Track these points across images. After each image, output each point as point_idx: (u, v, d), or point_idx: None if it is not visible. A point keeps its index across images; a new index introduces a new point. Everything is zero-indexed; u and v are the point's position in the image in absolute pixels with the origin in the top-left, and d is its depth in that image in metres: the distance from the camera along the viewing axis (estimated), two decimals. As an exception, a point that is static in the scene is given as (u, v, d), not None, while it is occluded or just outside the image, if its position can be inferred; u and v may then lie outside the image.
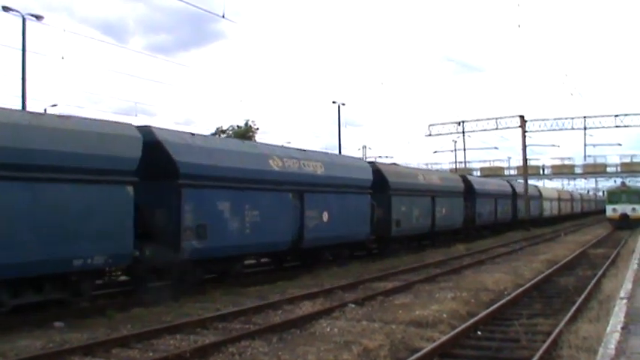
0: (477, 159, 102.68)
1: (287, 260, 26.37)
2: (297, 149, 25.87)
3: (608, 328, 10.40)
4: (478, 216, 45.51)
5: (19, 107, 32.34)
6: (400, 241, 33.18)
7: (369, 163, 32.07)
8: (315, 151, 28.21)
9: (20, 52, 35.49)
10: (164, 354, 11.27)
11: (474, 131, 75.45)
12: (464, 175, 50.11)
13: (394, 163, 42.90)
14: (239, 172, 20.22)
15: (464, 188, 42.97)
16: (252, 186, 20.62)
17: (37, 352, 11.49)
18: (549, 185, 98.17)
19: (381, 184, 30.35)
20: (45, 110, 45.64)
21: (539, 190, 70.02)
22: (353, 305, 16.50)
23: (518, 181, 68.27)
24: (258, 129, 72.04)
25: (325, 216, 24.76)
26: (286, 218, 22.49)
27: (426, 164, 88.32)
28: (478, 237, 44.70)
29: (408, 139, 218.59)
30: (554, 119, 70.86)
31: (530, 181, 67.55)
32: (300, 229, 23.27)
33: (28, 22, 35.72)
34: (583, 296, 17.09)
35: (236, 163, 20.31)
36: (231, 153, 20.61)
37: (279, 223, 21.99)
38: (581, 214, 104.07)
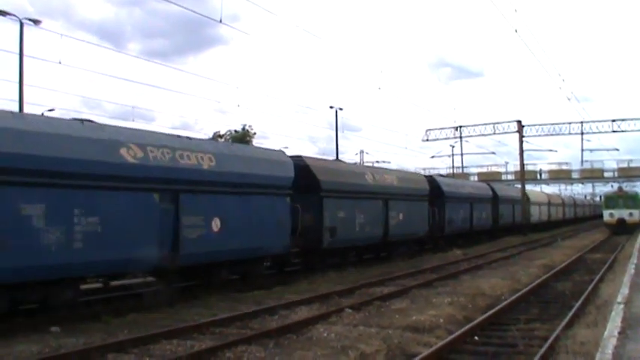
0: (475, 164, 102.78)
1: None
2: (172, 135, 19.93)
3: (606, 333, 10.40)
4: (448, 223, 39.65)
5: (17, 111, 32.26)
6: (336, 254, 27.76)
7: (294, 157, 25.10)
8: (205, 140, 25.00)
9: (17, 57, 35.47)
10: (161, 359, 11.22)
11: (471, 136, 75.68)
12: (431, 175, 43.94)
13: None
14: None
15: (429, 190, 36.94)
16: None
17: (34, 358, 11.47)
18: (547, 190, 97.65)
19: (309, 183, 25.01)
20: (42, 115, 45.65)
21: (526, 194, 64.79)
22: (350, 310, 16.47)
23: (516, 186, 68.16)
24: (255, 134, 72.03)
25: (216, 224, 19.30)
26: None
27: (424, 169, 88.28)
28: (447, 248, 38.54)
29: (406, 144, 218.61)
30: (552, 124, 71.16)
31: (527, 187, 67.50)
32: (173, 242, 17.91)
33: (25, 27, 35.71)
34: (580, 301, 17.08)
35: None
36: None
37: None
38: (575, 219, 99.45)
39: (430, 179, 39.81)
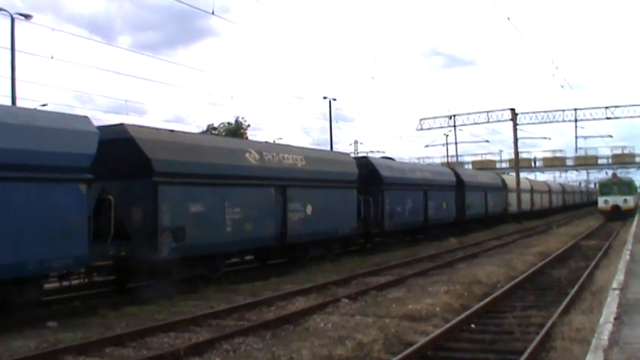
0: (469, 153, 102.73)
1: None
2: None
3: (601, 319, 10.44)
4: (389, 216, 31.97)
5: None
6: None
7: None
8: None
9: (9, 52, 35.39)
10: (158, 352, 11.25)
11: (465, 125, 75.74)
12: (365, 157, 36.58)
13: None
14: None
15: (357, 176, 29.17)
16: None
17: (31, 353, 11.46)
18: (541, 178, 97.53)
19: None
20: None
21: (502, 180, 57.81)
22: (346, 300, 16.51)
23: (511, 174, 67.88)
24: (249, 126, 71.99)
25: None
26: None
27: (418, 158, 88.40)
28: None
29: (400, 134, 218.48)
30: (545, 112, 71.24)
31: (522, 174, 67.43)
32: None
33: (16, 22, 35.61)
34: (576, 288, 17.12)
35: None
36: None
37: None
38: (563, 207, 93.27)
39: (364, 162, 32.32)
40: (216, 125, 69.63)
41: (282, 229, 23.24)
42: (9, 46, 35.48)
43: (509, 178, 62.50)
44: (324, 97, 64.34)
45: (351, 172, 28.87)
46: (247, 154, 22.07)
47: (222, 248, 20.67)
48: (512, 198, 59.18)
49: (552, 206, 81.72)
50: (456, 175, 44.48)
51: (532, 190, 68.78)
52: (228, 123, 70.22)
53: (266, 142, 31.23)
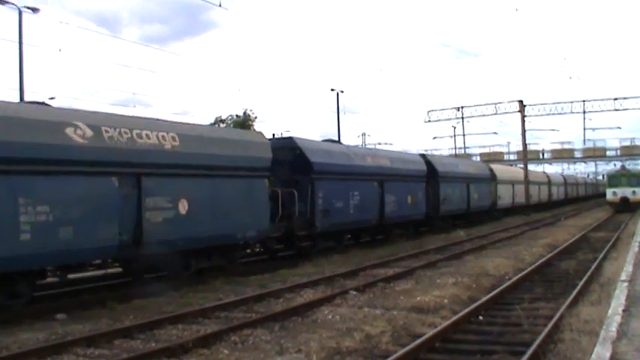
0: (477, 144, 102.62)
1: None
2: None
3: (610, 311, 10.44)
4: (323, 214, 25.51)
5: (17, 100, 32.25)
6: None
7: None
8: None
9: (17, 45, 35.41)
10: (166, 344, 11.26)
11: (472, 117, 75.38)
12: (290, 137, 26.66)
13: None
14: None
15: (271, 161, 22.37)
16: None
17: (40, 345, 11.49)
18: (549, 170, 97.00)
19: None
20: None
21: (490, 170, 50.69)
22: (354, 292, 16.52)
23: (519, 165, 67.68)
24: (256, 118, 71.85)
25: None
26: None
27: (426, 150, 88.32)
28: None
29: (408, 126, 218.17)
30: (554, 103, 70.72)
31: (530, 166, 67.21)
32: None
33: (24, 15, 35.61)
34: (584, 280, 17.08)
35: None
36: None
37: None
38: (565, 200, 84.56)
39: (291, 144, 25.72)
40: (224, 117, 69.54)
41: (136, 234, 16.76)
42: (17, 38, 35.50)
43: (499, 168, 55.93)
44: (332, 90, 64.30)
45: (262, 156, 22.13)
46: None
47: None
48: (503, 190, 52.81)
49: (552, 199, 75.12)
50: (428, 163, 37.69)
51: (514, 182, 58.99)
52: (237, 115, 70.10)
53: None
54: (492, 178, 50.25)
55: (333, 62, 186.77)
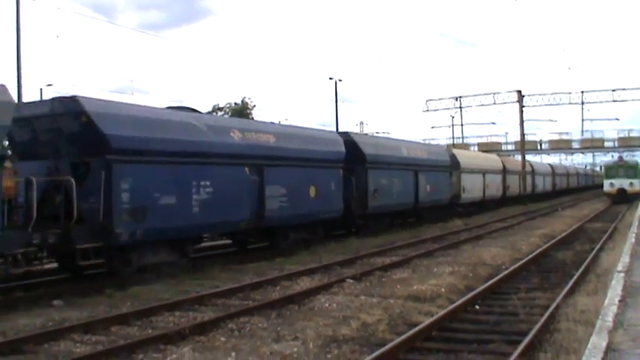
0: (475, 135, 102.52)
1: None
2: None
3: (606, 301, 10.44)
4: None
5: (15, 86, 32.10)
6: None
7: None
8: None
9: (15, 31, 35.25)
10: (163, 331, 11.30)
11: (471, 106, 75.69)
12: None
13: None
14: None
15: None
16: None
17: (37, 331, 11.55)
18: (547, 160, 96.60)
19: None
20: (41, 90, 45.60)
21: (453, 157, 43.33)
22: (351, 280, 16.55)
23: (516, 156, 67.42)
24: (255, 106, 71.87)
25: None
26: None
27: (424, 139, 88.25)
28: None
29: (406, 115, 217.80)
30: (552, 94, 71.06)
31: (528, 157, 67.12)
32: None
33: (22, 0, 35.43)
34: (581, 270, 17.10)
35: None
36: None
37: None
38: (553, 192, 77.52)
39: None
40: (221, 105, 69.57)
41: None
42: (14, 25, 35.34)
43: (465, 154, 50.01)
44: (330, 78, 64.30)
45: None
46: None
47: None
48: (470, 181, 45.17)
49: (536, 191, 67.10)
50: (350, 144, 29.02)
51: (505, 171, 54.84)
52: (235, 103, 70.12)
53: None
54: (454, 165, 42.35)
55: (332, 50, 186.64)
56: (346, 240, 26.78)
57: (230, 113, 64.39)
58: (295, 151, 23.96)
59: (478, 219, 39.54)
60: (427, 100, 77.00)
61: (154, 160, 17.69)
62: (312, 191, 24.64)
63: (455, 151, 45.86)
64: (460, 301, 13.36)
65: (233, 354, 9.84)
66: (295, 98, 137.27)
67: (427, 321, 11.48)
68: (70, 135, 16.58)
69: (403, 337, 10.28)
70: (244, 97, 71.16)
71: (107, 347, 10.37)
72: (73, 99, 16.60)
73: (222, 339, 10.87)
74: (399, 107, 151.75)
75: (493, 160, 54.45)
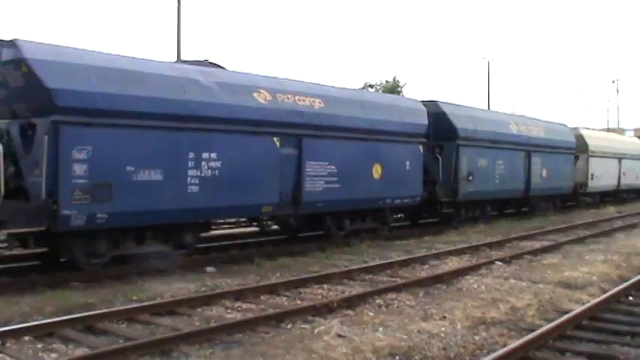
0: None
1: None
2: None
3: None
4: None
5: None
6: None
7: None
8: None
9: None
10: (312, 303, 11.47)
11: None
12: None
13: None
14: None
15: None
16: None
17: (192, 295, 12.03)
18: None
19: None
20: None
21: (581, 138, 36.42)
22: (500, 263, 16.36)
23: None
24: (405, 84, 71.74)
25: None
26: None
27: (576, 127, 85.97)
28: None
29: (559, 100, 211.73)
30: None
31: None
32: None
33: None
34: None
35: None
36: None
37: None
38: None
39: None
40: (372, 83, 69.74)
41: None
42: None
43: (592, 135, 39.93)
44: (482, 58, 63.30)
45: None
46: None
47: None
48: (601, 167, 37.89)
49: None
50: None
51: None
52: (386, 81, 70.15)
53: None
54: (582, 148, 36.19)
55: (483, 30, 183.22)
56: (495, 222, 26.43)
57: (381, 91, 64.44)
58: (352, 119, 19.49)
59: (632, 206, 38.11)
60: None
61: (127, 124, 13.78)
62: (377, 170, 20.32)
63: (583, 131, 38.25)
64: (613, 291, 12.95)
65: (381, 329, 9.89)
66: (445, 78, 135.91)
67: (578, 309, 11.21)
68: (15, 89, 13.36)
69: (553, 323, 10.09)
70: (395, 76, 71.17)
71: (257, 315, 10.65)
72: (12, 43, 13.05)
73: (370, 314, 10.95)
74: (550, 91, 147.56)
75: (634, 144, 46.85)
